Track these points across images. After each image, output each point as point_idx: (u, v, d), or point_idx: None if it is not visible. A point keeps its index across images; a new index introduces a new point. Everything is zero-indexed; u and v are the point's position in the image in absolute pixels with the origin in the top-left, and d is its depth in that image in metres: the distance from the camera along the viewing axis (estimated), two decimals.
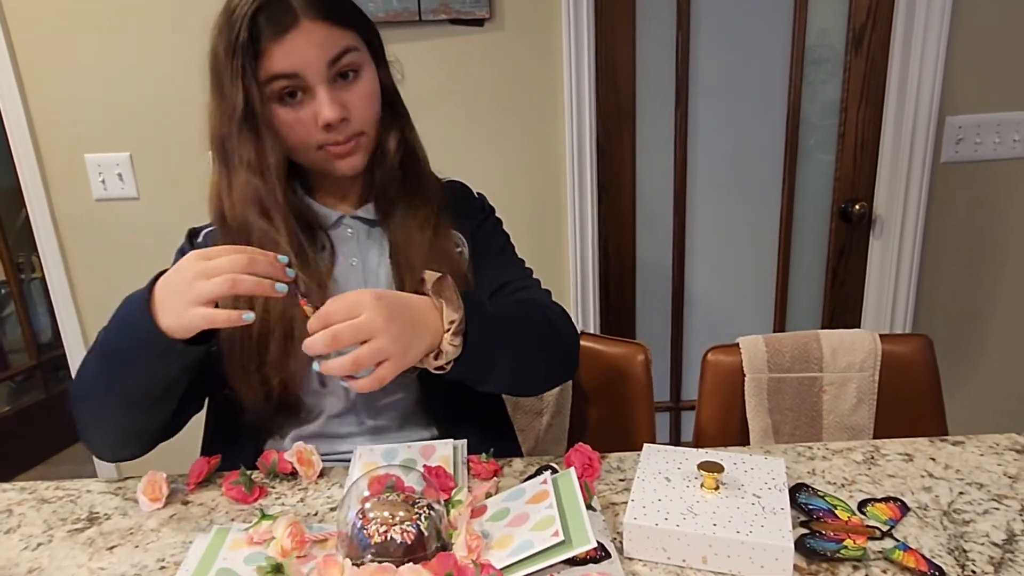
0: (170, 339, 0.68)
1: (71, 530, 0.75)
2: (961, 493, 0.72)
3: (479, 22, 1.60)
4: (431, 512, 0.64)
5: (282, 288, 0.67)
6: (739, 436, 1.10)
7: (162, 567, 0.68)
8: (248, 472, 0.79)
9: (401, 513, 0.62)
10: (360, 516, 0.63)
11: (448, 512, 0.68)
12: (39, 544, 0.73)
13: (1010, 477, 0.73)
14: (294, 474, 0.82)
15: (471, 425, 0.90)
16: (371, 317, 0.66)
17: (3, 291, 2.55)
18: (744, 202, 1.82)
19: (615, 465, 0.81)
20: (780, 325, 1.91)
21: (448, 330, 0.72)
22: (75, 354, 1.84)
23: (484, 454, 0.81)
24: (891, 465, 0.77)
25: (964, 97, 1.63)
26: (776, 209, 1.81)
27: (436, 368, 0.74)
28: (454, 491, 0.71)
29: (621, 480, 0.78)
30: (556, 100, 1.65)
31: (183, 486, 0.81)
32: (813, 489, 0.73)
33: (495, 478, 0.77)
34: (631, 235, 1.85)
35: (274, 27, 0.76)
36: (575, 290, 1.77)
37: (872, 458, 0.79)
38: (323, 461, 0.84)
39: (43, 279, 2.63)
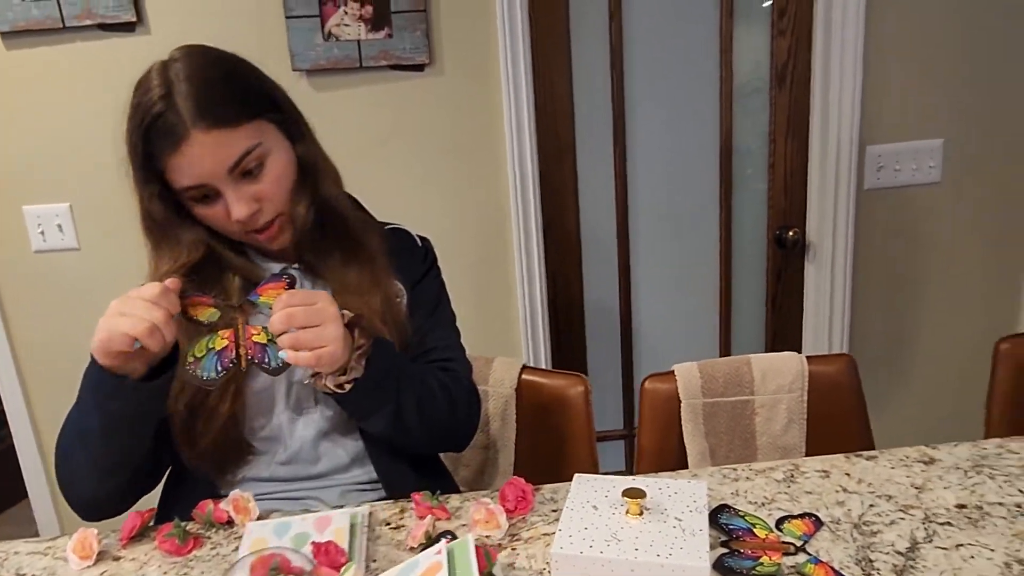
0: (115, 377, 0.74)
1: None
2: (871, 505, 0.75)
3: (419, 67, 1.65)
4: None
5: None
6: (678, 460, 1.13)
7: None
8: (182, 524, 0.79)
9: None
10: None
11: None
12: None
13: (916, 488, 0.78)
14: (231, 522, 0.82)
15: (410, 468, 0.93)
16: (325, 306, 0.75)
17: None
18: (685, 232, 1.89)
19: (549, 496, 0.83)
20: (725, 351, 1.96)
21: (357, 349, 0.79)
22: (15, 411, 1.79)
23: (432, 495, 0.82)
24: (809, 482, 0.81)
25: (882, 127, 1.73)
26: (715, 238, 1.88)
27: (336, 385, 0.80)
28: (343, 568, 0.68)
29: (554, 511, 0.80)
30: (497, 140, 1.69)
31: (115, 542, 0.80)
32: (735, 509, 0.76)
33: (429, 517, 0.78)
34: (578, 269, 1.89)
35: (167, 141, 0.77)
36: (525, 326, 1.79)
37: (792, 476, 0.82)
38: (272, 502, 0.85)
39: None
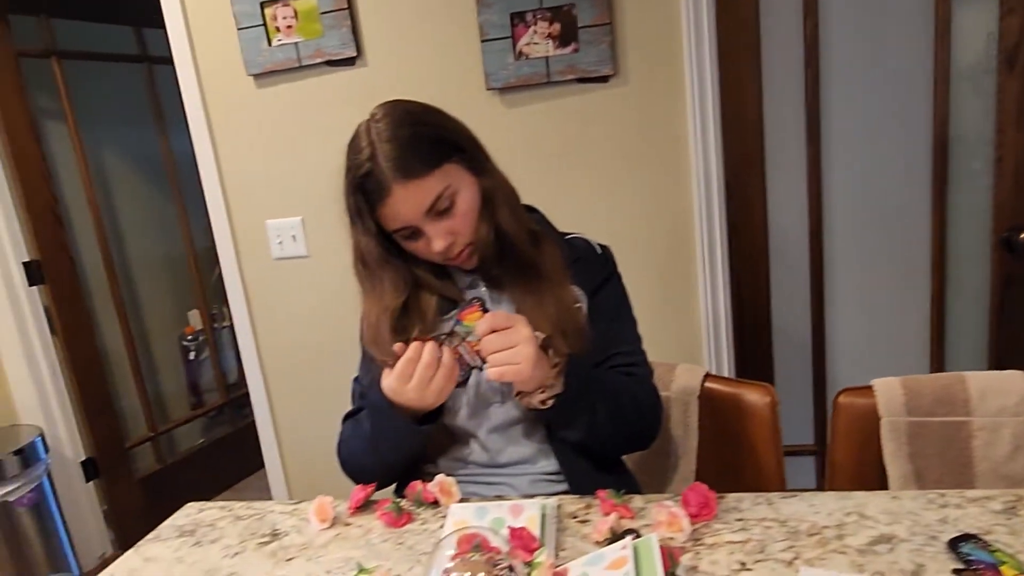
0: (414, 425, 0.93)
1: (259, 543, 0.90)
2: None
3: (604, 79, 1.69)
4: (511, 573, 0.68)
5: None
6: (876, 480, 1.06)
7: None
8: (397, 500, 0.91)
9: (482, 574, 0.67)
10: (444, 575, 0.68)
11: (529, 574, 0.71)
12: (235, 553, 0.88)
13: None
14: (436, 503, 0.92)
15: (592, 464, 0.99)
16: (519, 328, 0.86)
17: (201, 338, 2.96)
18: (889, 236, 1.74)
19: (732, 506, 0.84)
20: (937, 367, 1.78)
21: (555, 367, 0.87)
22: (257, 392, 2.09)
23: (616, 494, 0.86)
24: None
25: None
26: (926, 242, 1.72)
27: (539, 402, 0.89)
28: (536, 552, 0.74)
29: (739, 520, 0.81)
30: (682, 148, 1.69)
31: (345, 510, 0.94)
32: (984, 542, 0.70)
33: (614, 514, 0.82)
34: (765, 275, 1.83)
35: (376, 196, 0.92)
36: (707, 334, 1.77)
37: (1014, 508, 0.75)
38: (471, 485, 0.97)
39: (229, 327, 3.03)
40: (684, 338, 1.79)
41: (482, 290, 1.03)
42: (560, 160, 1.75)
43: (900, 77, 1.65)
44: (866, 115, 1.69)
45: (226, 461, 2.91)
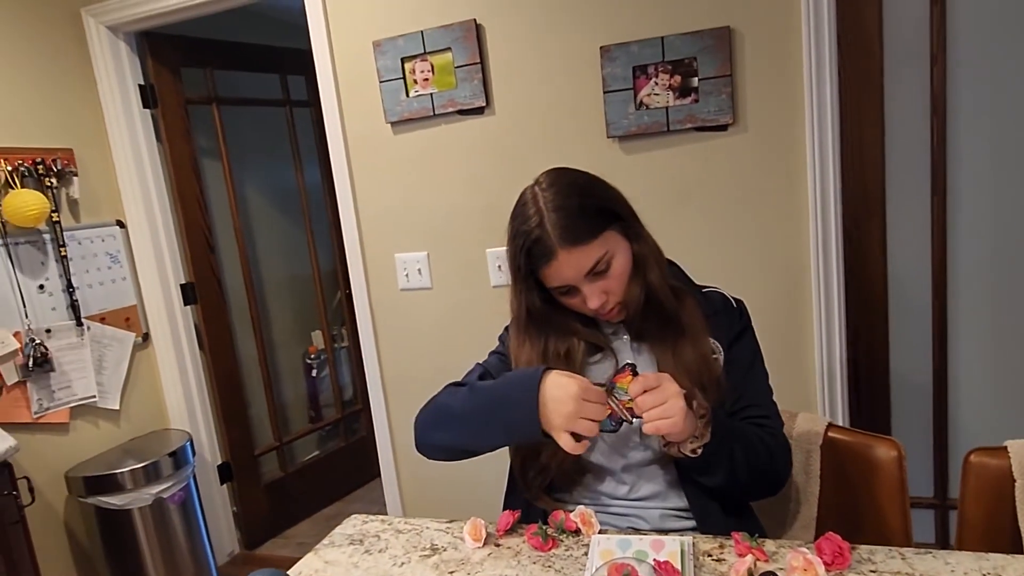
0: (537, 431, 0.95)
1: (422, 555, 1.01)
2: None
3: (723, 127, 1.76)
4: None
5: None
6: (1009, 542, 1.06)
7: None
8: (544, 526, 1.00)
9: None
10: None
11: None
12: (402, 563, 1.00)
13: None
14: (578, 532, 1.01)
15: (718, 504, 1.05)
16: (667, 385, 0.93)
17: (323, 357, 3.19)
18: (1022, 288, 1.70)
19: (865, 557, 0.88)
20: None
21: (701, 418, 0.94)
22: (378, 411, 2.25)
23: (751, 537, 0.92)
24: None
25: None
26: None
27: (690, 450, 0.96)
28: None
29: (872, 572, 0.85)
30: (800, 193, 1.72)
31: (494, 531, 1.04)
32: None
33: (750, 556, 0.88)
34: (883, 325, 1.82)
35: (542, 259, 1.00)
36: (822, 380, 1.77)
37: None
38: (603, 515, 1.04)
39: (348, 348, 3.24)
40: (798, 385, 1.81)
41: (624, 338, 1.12)
42: (677, 205, 1.82)
43: None
44: (997, 164, 1.67)
45: (338, 473, 3.10)
